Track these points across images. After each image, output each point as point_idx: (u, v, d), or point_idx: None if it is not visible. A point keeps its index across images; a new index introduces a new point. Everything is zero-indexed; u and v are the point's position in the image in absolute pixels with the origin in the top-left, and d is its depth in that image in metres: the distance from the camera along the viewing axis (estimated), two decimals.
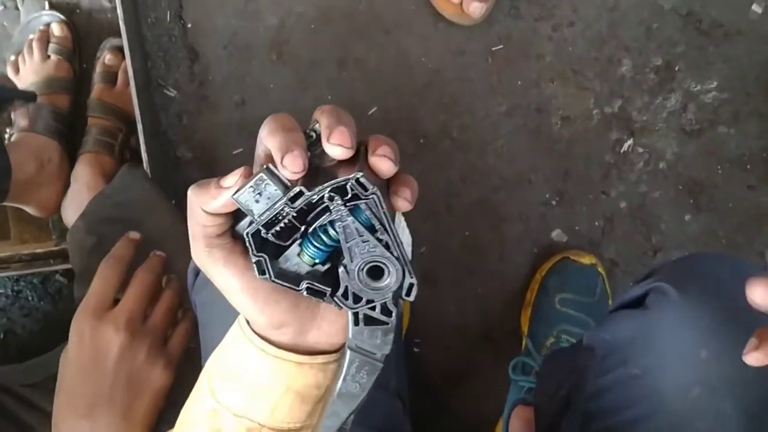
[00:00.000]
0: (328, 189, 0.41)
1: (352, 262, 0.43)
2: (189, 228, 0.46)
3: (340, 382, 0.47)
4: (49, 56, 1.17)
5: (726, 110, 1.13)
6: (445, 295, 1.18)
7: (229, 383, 0.49)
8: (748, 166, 1.14)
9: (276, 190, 0.41)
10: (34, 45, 1.17)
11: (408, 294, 0.44)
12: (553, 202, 1.16)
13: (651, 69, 1.13)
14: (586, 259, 1.11)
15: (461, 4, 1.09)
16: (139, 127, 1.10)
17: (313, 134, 0.46)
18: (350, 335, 0.46)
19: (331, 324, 0.49)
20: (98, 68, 1.20)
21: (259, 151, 0.45)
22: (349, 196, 0.41)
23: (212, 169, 1.15)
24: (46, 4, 1.20)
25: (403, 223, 0.46)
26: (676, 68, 1.13)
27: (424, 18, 1.13)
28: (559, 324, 1.08)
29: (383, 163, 0.44)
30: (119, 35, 1.10)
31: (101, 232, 1.04)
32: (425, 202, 1.16)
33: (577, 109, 1.15)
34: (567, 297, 1.10)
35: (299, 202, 0.41)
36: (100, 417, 0.71)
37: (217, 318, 0.64)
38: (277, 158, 0.42)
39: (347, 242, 0.43)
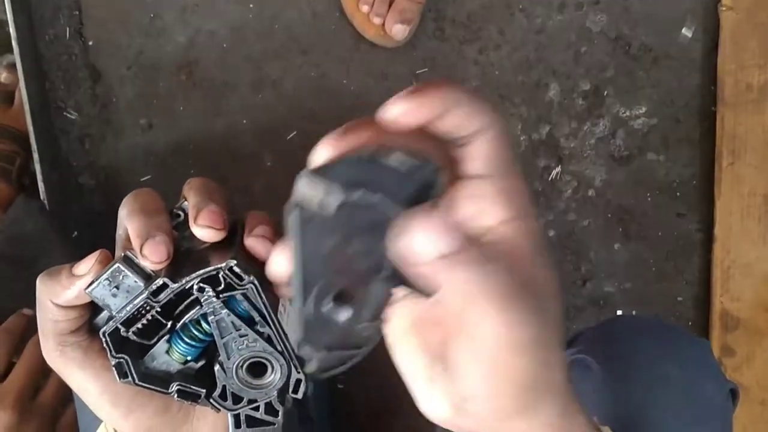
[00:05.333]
0: (198, 280, 0.36)
1: (228, 359, 0.38)
2: (38, 322, 0.40)
3: None
4: None
5: (655, 136, 1.11)
6: None
7: None
8: (678, 194, 1.12)
9: (136, 282, 0.36)
10: None
11: (295, 391, 0.39)
12: None
13: (579, 94, 1.10)
14: None
15: (383, 25, 1.03)
16: (35, 154, 1.02)
17: (181, 213, 0.40)
18: None
19: (209, 428, 0.43)
20: None
21: (120, 232, 0.40)
22: (223, 286, 0.36)
23: (117, 198, 1.07)
24: None
25: (290, 310, 0.40)
26: (605, 93, 1.10)
27: (344, 39, 1.07)
28: None
29: (259, 245, 0.39)
30: None
31: None
32: None
33: None
34: None
35: (163, 296, 0.36)
36: None
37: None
38: (136, 246, 0.36)
39: (222, 338, 0.38)
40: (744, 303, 1.10)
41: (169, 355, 0.39)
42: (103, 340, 0.37)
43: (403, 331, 0.36)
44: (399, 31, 1.02)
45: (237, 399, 0.40)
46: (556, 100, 1.10)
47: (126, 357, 0.37)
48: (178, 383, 0.39)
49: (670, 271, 1.13)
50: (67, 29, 1.06)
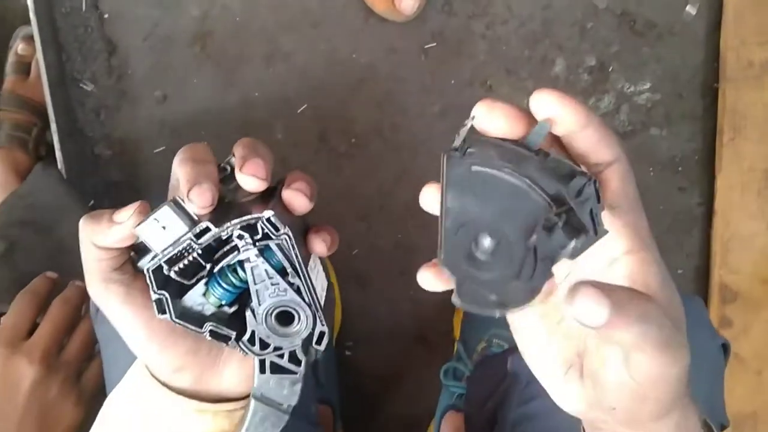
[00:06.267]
0: (238, 226, 0.39)
1: (260, 305, 0.41)
2: (83, 261, 0.42)
3: None
4: None
5: (658, 112, 1.13)
6: (378, 297, 1.16)
7: (129, 424, 0.46)
8: (680, 168, 1.14)
9: (182, 224, 0.39)
10: None
11: (318, 342, 0.42)
12: None
13: (585, 69, 1.12)
14: None
15: None
16: (53, 125, 1.04)
17: (228, 167, 0.43)
18: (255, 383, 0.43)
19: (234, 372, 0.46)
20: (10, 58, 1.13)
21: (173, 180, 0.42)
22: (260, 235, 0.39)
23: (132, 168, 1.10)
24: None
25: (320, 267, 0.43)
26: (610, 69, 1.12)
27: (354, 13, 1.09)
28: (490, 329, 1.07)
29: (297, 199, 0.42)
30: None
31: (12, 236, 1.00)
32: (358, 203, 1.13)
33: None
34: None
35: (205, 239, 0.39)
36: None
37: (121, 355, 0.61)
38: (184, 191, 0.39)
39: (255, 284, 0.41)
40: (742, 275, 1.13)
41: (206, 298, 0.42)
42: (147, 276, 0.40)
43: (539, 336, 0.40)
44: (408, 5, 1.04)
45: (264, 345, 0.42)
46: (562, 76, 1.12)
47: (166, 294, 0.40)
48: (211, 324, 0.41)
49: (671, 244, 1.16)
50: (84, 1, 1.08)
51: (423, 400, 1.15)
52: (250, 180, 0.40)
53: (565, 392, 0.39)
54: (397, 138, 1.12)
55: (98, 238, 0.41)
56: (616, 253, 0.36)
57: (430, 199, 0.38)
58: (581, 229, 0.34)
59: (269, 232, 0.39)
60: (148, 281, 0.40)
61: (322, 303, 0.42)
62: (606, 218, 0.35)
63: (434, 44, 1.11)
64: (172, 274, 0.40)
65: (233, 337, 0.42)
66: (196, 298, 0.42)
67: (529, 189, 0.35)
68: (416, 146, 1.12)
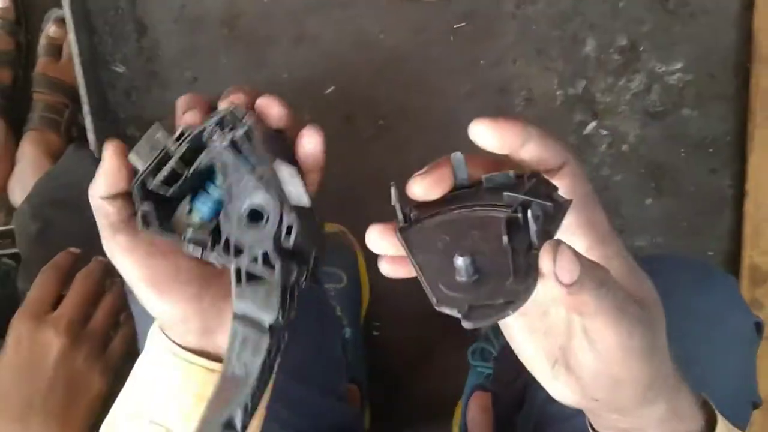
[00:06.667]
0: (211, 124, 0.41)
1: (230, 203, 0.42)
2: (97, 221, 0.45)
3: (225, 363, 0.43)
4: None
5: (690, 92, 1.11)
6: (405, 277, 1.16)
7: (147, 387, 0.48)
8: (711, 150, 1.13)
9: (167, 137, 0.42)
10: None
11: (288, 234, 0.41)
12: None
13: (615, 49, 1.11)
14: None
15: None
16: (85, 107, 1.05)
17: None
18: (234, 298, 0.43)
19: None
20: (42, 41, 1.15)
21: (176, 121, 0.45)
22: (228, 127, 0.41)
23: None
24: None
25: (297, 179, 0.43)
26: (641, 48, 1.10)
27: None
28: None
29: (271, 106, 0.43)
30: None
31: (47, 216, 1.01)
32: (385, 185, 1.12)
33: (540, 90, 1.12)
34: None
35: (183, 140, 0.41)
36: (33, 422, 0.69)
37: None
38: (178, 116, 0.43)
39: (225, 181, 0.42)
40: None
41: (190, 216, 0.44)
42: (133, 192, 0.42)
43: (523, 336, 0.42)
44: None
45: (238, 251, 0.42)
46: (593, 55, 1.11)
47: (151, 207, 0.42)
48: (191, 234, 0.43)
49: (702, 226, 1.14)
50: None
51: (450, 381, 1.16)
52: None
53: (555, 386, 0.42)
54: (424, 119, 1.12)
55: (95, 189, 0.44)
56: (578, 249, 0.37)
57: (374, 242, 0.41)
58: (544, 208, 0.36)
59: (235, 122, 0.41)
60: (135, 197, 0.42)
61: (303, 203, 0.42)
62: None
63: (463, 24, 1.10)
64: (155, 186, 0.42)
65: (209, 243, 0.42)
66: (180, 218, 0.44)
67: (480, 211, 0.37)
68: (444, 128, 1.12)
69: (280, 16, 1.10)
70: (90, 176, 1.08)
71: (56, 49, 1.14)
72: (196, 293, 0.45)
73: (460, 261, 0.34)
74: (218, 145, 0.41)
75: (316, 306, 0.73)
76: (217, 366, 0.46)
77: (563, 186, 0.38)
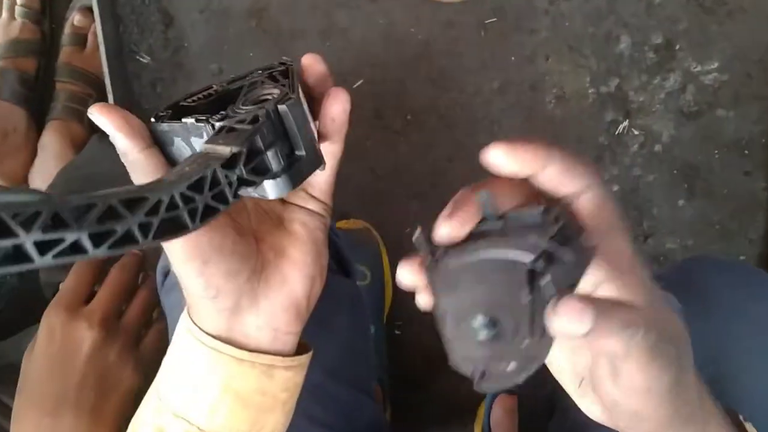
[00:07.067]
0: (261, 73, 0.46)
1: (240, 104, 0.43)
2: None
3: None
4: (14, 18, 1.10)
5: (726, 92, 1.09)
6: None
7: (172, 379, 0.47)
8: (746, 152, 1.10)
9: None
10: None
11: (281, 102, 0.40)
12: None
13: (650, 47, 1.08)
14: None
15: None
16: (110, 97, 1.04)
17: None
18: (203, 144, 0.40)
19: (270, 306, 0.45)
20: (67, 30, 1.13)
21: None
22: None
23: None
24: None
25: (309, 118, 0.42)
26: (677, 47, 1.08)
27: None
28: None
29: (314, 64, 0.44)
30: None
31: None
32: (411, 181, 1.11)
33: (572, 88, 1.10)
34: None
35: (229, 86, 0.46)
36: (65, 416, 0.68)
37: None
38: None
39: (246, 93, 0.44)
40: None
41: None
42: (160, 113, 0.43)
43: (552, 351, 0.40)
44: None
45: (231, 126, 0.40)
46: (627, 53, 1.08)
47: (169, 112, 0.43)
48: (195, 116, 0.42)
49: (734, 229, 1.12)
50: None
51: (471, 382, 1.14)
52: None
53: (583, 402, 0.42)
54: (453, 115, 1.10)
55: (126, 149, 0.42)
56: (598, 279, 0.36)
57: (405, 276, 0.39)
58: (568, 258, 0.34)
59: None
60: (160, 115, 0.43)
61: (296, 99, 0.40)
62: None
63: (494, 19, 1.08)
64: (186, 103, 0.44)
65: (210, 117, 0.41)
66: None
67: (505, 251, 0.35)
68: (473, 124, 1.10)
69: (307, 8, 1.08)
70: (113, 167, 1.06)
71: (81, 39, 1.12)
72: (237, 269, 0.43)
73: (478, 321, 0.34)
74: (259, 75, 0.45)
75: (349, 302, 0.71)
76: (245, 355, 0.45)
77: (585, 211, 0.36)
